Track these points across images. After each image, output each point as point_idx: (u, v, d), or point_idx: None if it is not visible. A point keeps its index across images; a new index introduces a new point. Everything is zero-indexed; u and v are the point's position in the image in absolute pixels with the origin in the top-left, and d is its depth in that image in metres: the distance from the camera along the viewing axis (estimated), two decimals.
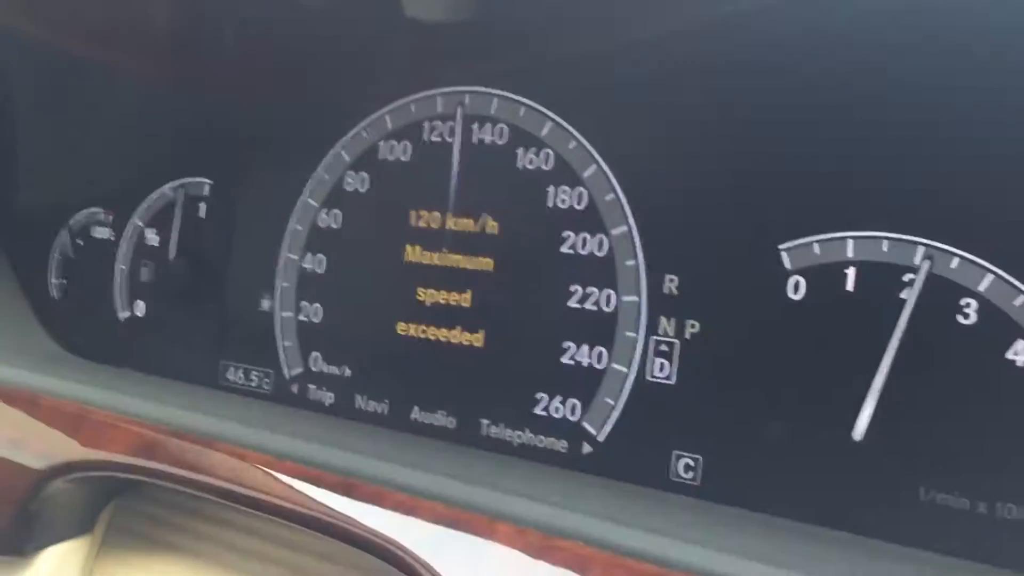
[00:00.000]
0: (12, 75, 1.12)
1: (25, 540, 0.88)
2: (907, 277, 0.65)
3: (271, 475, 0.66)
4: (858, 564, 0.58)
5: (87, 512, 0.89)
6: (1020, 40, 0.62)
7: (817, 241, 0.68)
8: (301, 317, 0.92)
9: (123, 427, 0.77)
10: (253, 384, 0.95)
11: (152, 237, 1.04)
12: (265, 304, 0.94)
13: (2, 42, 1.10)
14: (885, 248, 0.66)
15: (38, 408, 0.87)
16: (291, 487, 0.64)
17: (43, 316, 1.11)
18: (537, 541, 0.56)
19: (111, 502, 0.89)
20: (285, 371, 0.93)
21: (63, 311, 1.11)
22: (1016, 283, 0.61)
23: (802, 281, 0.69)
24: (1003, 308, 0.62)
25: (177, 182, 1.02)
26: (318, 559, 0.76)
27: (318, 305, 0.92)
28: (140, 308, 1.04)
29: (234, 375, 0.96)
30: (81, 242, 1.10)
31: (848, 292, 0.67)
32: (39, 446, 0.84)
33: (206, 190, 1.01)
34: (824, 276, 0.68)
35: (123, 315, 1.05)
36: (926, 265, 0.64)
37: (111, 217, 1.07)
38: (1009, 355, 0.61)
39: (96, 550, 0.90)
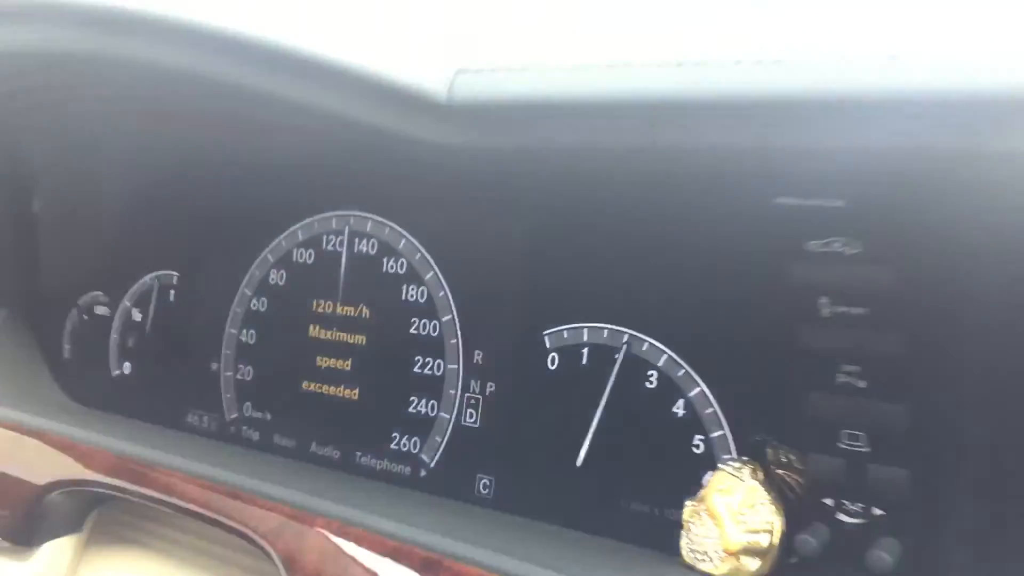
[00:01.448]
0: (40, 191, 1.45)
1: (32, 535, 1.11)
2: (617, 356, 0.94)
3: (188, 488, 0.97)
4: (571, 555, 0.83)
5: (77, 516, 1.14)
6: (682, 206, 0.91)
7: (566, 329, 0.96)
8: (238, 376, 1.23)
9: (100, 456, 1.09)
10: (205, 425, 1.26)
11: (136, 314, 1.31)
12: (214, 366, 1.24)
13: (32, 160, 1.40)
14: (605, 335, 0.93)
15: (44, 442, 1.12)
16: (200, 496, 0.96)
17: (56, 373, 1.38)
18: (338, 529, 0.87)
19: (95, 509, 1.15)
20: (226, 415, 1.24)
21: (72, 369, 1.38)
22: (679, 360, 0.89)
23: (557, 357, 0.96)
24: (672, 377, 0.89)
25: (154, 273, 1.29)
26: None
27: (250, 367, 1.22)
28: (127, 367, 1.36)
29: (192, 418, 1.28)
30: (86, 317, 1.35)
31: (583, 365, 0.94)
32: (42, 469, 1.09)
33: (175, 280, 1.28)
34: (570, 353, 0.94)
35: (115, 373, 1.37)
36: (625, 348, 0.93)
37: (108, 298, 1.34)
38: (674, 409, 0.89)
39: (84, 545, 1.15)
